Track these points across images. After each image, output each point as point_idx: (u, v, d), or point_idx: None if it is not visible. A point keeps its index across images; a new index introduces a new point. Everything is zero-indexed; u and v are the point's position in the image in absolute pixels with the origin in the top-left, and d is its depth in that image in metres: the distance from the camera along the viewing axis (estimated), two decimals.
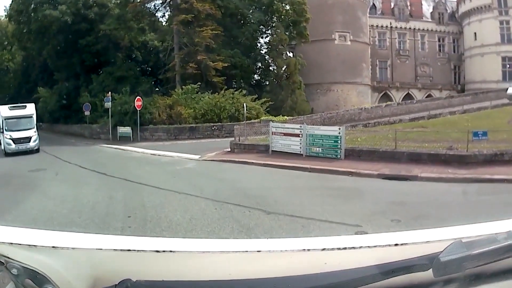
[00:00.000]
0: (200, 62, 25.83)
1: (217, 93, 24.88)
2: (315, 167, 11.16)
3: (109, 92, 24.97)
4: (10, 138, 18.66)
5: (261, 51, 33.31)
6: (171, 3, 28.93)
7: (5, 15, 36.72)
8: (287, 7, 31.48)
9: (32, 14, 30.07)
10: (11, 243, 0.86)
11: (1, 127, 19.12)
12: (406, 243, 0.92)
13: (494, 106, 26.80)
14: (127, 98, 24.77)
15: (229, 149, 15.52)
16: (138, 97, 23.78)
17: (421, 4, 43.18)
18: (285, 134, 13.60)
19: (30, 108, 20.40)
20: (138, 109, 23.14)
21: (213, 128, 23.19)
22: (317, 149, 12.62)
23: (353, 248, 0.92)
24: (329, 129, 13.38)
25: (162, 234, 5.68)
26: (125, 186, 9.86)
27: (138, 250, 0.89)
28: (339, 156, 12.02)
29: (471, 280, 0.90)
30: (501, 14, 38.04)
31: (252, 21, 31.50)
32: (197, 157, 14.65)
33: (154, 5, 30.68)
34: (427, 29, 42.87)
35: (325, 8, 36.31)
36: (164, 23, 32.69)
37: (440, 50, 43.44)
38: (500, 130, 12.99)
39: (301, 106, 30.50)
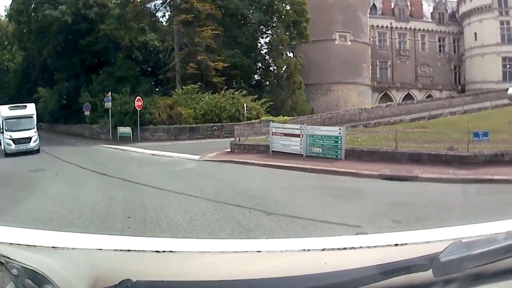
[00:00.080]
0: (200, 62, 25.83)
1: (217, 93, 24.88)
2: (316, 167, 11.14)
3: (109, 92, 24.97)
4: (10, 139, 18.49)
5: (261, 51, 33.34)
6: (171, 3, 28.95)
7: (5, 15, 36.81)
8: (288, 7, 31.51)
9: (32, 14, 30.09)
10: (11, 243, 0.86)
11: (1, 127, 18.96)
12: (406, 243, 0.92)
13: (494, 106, 26.80)
14: (127, 98, 24.78)
15: (229, 150, 15.52)
16: (138, 97, 23.78)
17: (422, 4, 43.19)
18: (285, 135, 13.59)
19: (31, 108, 20.22)
20: (138, 109, 23.14)
21: (213, 129, 23.19)
22: (318, 149, 12.61)
23: (353, 248, 0.92)
24: (330, 129, 13.36)
25: (162, 235, 5.68)
26: (125, 187, 9.85)
27: (138, 250, 0.89)
28: (339, 157, 12.01)
29: (471, 280, 0.90)
30: (501, 15, 38.05)
31: (252, 21, 31.50)
32: (197, 157, 14.65)
33: (155, 5, 30.79)
34: (428, 29, 42.87)
35: (326, 8, 36.31)
36: (164, 23, 32.75)
37: (440, 50, 43.44)
38: (500, 130, 12.99)
39: (301, 106, 30.49)
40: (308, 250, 0.91)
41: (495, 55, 38.20)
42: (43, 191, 9.72)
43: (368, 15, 40.67)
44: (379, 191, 8.60)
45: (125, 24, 28.97)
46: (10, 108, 19.87)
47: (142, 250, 0.89)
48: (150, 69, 35.03)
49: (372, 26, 41.55)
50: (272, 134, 13.91)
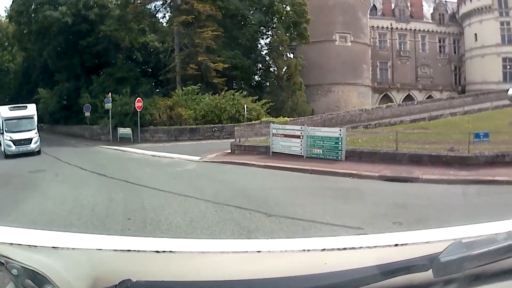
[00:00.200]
0: (200, 63, 25.86)
1: (217, 94, 24.91)
2: (316, 168, 11.11)
3: (110, 93, 24.99)
4: (10, 140, 18.19)
5: (262, 52, 33.40)
6: (171, 4, 28.98)
7: (6, 16, 36.85)
8: (288, 8, 31.56)
9: (32, 15, 30.13)
10: (11, 244, 0.86)
11: (1, 128, 18.68)
12: (406, 244, 0.92)
13: (495, 107, 26.83)
14: (127, 99, 24.80)
15: (230, 151, 15.51)
16: (138, 98, 23.80)
17: (422, 5, 43.25)
18: (285, 136, 13.58)
19: (31, 109, 19.89)
20: (138, 110, 23.15)
21: (213, 130, 23.19)
22: (318, 150, 12.60)
23: (353, 248, 0.92)
24: (330, 130, 13.32)
25: (162, 236, 5.66)
26: (125, 188, 9.83)
27: (138, 251, 0.89)
28: (339, 158, 12.00)
29: (471, 280, 0.90)
30: (501, 15, 38.08)
31: (252, 22, 31.56)
32: (197, 158, 14.65)
33: (155, 6, 30.86)
34: (428, 30, 42.92)
35: (326, 9, 36.36)
36: (164, 24, 32.79)
37: (440, 51, 43.49)
38: (501, 131, 13.00)
39: (301, 107, 30.50)
40: (308, 250, 0.91)
41: (495, 55, 38.23)
42: (43, 192, 9.70)
43: (368, 16, 40.73)
44: (379, 192, 8.57)
45: (125, 25, 29.01)
46: (10, 109, 19.49)
47: (142, 250, 0.89)
48: (150, 70, 35.09)
49: (373, 27, 41.60)
50: (273, 135, 13.91)
